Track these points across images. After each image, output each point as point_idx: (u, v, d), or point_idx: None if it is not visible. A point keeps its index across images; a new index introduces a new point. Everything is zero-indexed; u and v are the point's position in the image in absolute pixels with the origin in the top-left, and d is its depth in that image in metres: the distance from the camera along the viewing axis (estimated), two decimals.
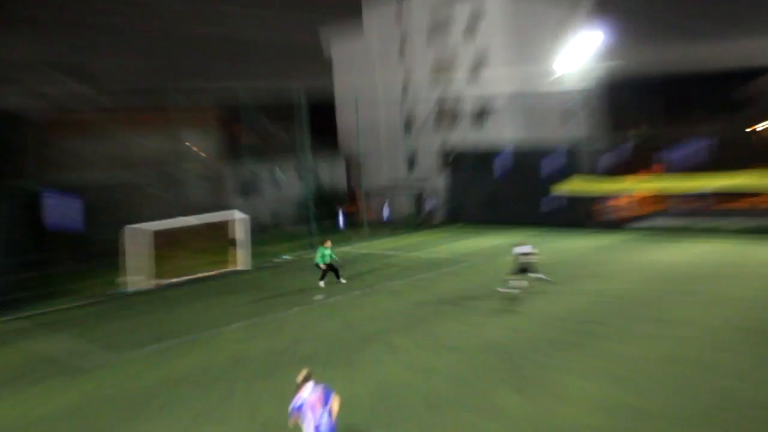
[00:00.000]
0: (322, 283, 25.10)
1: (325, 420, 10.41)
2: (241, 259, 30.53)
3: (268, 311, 22.39)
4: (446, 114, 46.07)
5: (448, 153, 42.17)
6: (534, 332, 17.99)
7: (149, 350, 18.61)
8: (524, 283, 19.27)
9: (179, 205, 31.09)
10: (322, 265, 25.56)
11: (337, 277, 25.70)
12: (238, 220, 30.48)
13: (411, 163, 44.87)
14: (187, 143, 43.99)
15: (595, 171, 35.96)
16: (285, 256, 33.61)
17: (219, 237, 32.73)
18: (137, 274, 27.30)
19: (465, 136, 43.50)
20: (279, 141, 49.78)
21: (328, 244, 26.05)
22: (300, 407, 10.53)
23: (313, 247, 35.28)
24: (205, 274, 29.96)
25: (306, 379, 10.91)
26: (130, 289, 27.40)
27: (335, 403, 10.69)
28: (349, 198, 51.29)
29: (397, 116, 44.87)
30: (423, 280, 25.96)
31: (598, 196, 35.58)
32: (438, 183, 45.27)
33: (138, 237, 28.12)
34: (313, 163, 44.98)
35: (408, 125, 47.64)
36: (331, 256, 25.69)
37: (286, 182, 49.01)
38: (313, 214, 36.26)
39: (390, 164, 50.84)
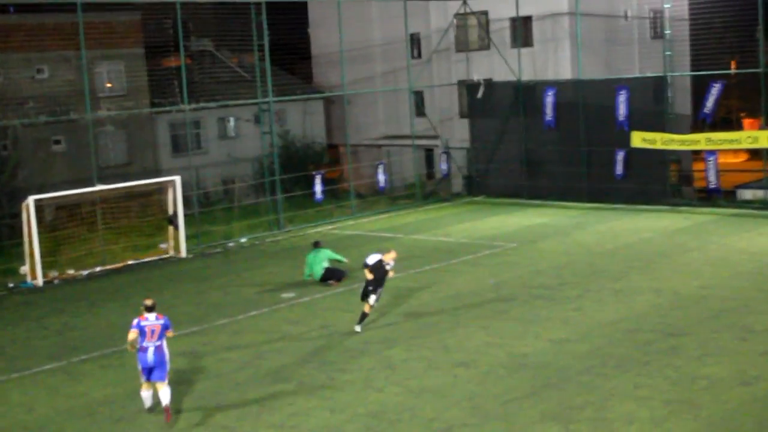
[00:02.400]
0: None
1: (151, 350, 15.29)
2: (181, 243, 31.12)
3: (217, 315, 23.06)
4: (471, 31, 46.38)
5: (471, 90, 42.47)
6: (583, 345, 18.66)
7: (48, 369, 19.24)
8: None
9: (88, 166, 31.52)
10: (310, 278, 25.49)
11: (336, 279, 25.66)
12: (176, 188, 30.97)
13: (418, 106, 45.27)
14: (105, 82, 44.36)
15: (689, 120, 36.31)
16: (240, 239, 34.19)
17: (150, 212, 33.23)
18: (37, 262, 27.87)
19: (498, 65, 43.84)
20: (230, 75, 50.11)
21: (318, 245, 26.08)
22: (140, 326, 15.35)
23: (280, 226, 35.85)
24: (133, 261, 30.57)
25: (150, 309, 15.47)
26: (33, 281, 28.03)
27: (169, 334, 15.64)
28: (330, 158, 51.70)
29: (400, 35, 45.06)
30: (432, 273, 26.61)
31: (692, 152, 35.93)
32: (456, 136, 45.71)
33: (44, 212, 28.71)
34: (279, 106, 45.34)
35: (415, 49, 48.02)
36: (331, 260, 25.58)
37: (241, 135, 49.45)
38: (279, 180, 36.77)
39: (388, 108, 51.11)
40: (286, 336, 20.70)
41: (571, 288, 23.62)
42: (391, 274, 20.54)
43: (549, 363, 17.55)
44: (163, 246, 31.43)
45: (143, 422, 15.48)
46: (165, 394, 15.39)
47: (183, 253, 31.20)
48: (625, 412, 14.70)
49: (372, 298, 20.23)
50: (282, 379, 17.42)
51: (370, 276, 20.08)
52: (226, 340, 20.69)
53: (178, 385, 17.25)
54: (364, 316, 20.38)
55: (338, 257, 25.99)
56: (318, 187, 37.50)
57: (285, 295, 24.66)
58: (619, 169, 36.46)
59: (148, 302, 15.68)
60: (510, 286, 24.20)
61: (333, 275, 25.62)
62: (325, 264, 25.64)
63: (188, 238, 32.05)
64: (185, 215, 31.72)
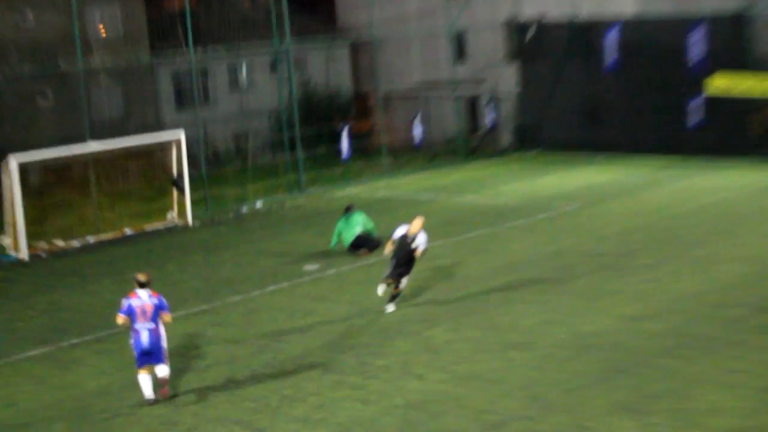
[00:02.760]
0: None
1: (145, 332, 15.36)
2: (187, 209, 31.08)
3: (228, 291, 22.87)
4: None
5: (521, 30, 41.99)
6: (659, 323, 18.21)
7: (33, 356, 19.10)
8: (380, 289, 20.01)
9: (80, 122, 31.48)
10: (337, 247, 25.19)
11: (369, 248, 25.31)
12: (180, 146, 30.84)
13: (459, 49, 44.74)
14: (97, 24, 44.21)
15: None
16: (255, 204, 34.13)
17: (151, 174, 33.24)
18: (21, 233, 27.83)
19: (551, 1, 43.25)
20: (242, 17, 49.78)
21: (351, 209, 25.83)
22: (130, 309, 15.40)
23: (301, 188, 35.67)
24: (132, 231, 30.52)
25: (142, 285, 15.55)
26: (17, 254, 27.98)
27: (166, 318, 15.56)
28: (358, 109, 51.45)
29: None
30: (479, 241, 26.32)
31: None
32: (503, 82, 45.23)
33: (29, 175, 28.64)
34: (299, 52, 45.05)
35: None
36: (365, 229, 25.40)
37: (255, 85, 49.22)
38: (299, 136, 36.50)
39: (424, 52, 50.65)
40: (309, 315, 20.44)
41: (643, 256, 23.17)
42: (418, 253, 19.60)
43: (619, 344, 17.10)
44: (170, 216, 31.31)
45: (144, 417, 15.23)
46: (163, 369, 15.53)
47: (189, 221, 31.17)
48: (711, 401, 14.22)
49: (403, 283, 19.81)
50: (305, 366, 17.12)
51: (389, 249, 19.66)
52: (239, 320, 20.48)
53: (185, 372, 17.07)
54: (395, 296, 19.91)
55: (372, 226, 25.64)
56: (344, 143, 37.39)
57: (308, 268, 24.44)
58: (695, 118, 36.05)
59: (141, 277, 15.66)
60: (571, 255, 23.82)
61: (366, 243, 25.30)
62: (359, 229, 25.30)
63: (195, 203, 32.05)
64: (191, 177, 31.67)
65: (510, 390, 15.24)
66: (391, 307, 19.86)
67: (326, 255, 25.47)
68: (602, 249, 24.18)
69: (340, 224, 25.53)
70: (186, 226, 31.02)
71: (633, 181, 33.71)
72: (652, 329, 17.78)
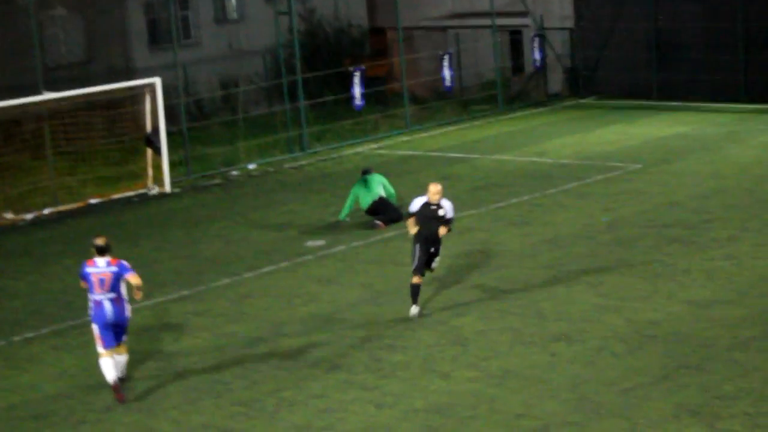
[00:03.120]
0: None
1: (107, 303, 16.09)
2: (165, 173, 31.15)
3: (215, 272, 23.16)
4: None
5: None
6: (737, 309, 18.44)
7: None
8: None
9: (31, 67, 31.57)
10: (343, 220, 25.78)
11: (387, 219, 25.79)
12: (155, 95, 30.90)
13: None
14: None
15: None
16: (247, 166, 34.21)
17: (120, 130, 33.23)
18: None
19: None
20: None
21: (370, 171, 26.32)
22: (85, 276, 16.24)
23: (303, 147, 35.79)
24: (96, 200, 30.73)
25: (101, 251, 16.28)
26: None
27: (133, 280, 16.12)
28: (374, 48, 51.38)
29: None
30: (520, 209, 26.57)
31: None
32: (554, 13, 45.15)
33: None
34: None
35: None
36: (381, 190, 25.75)
37: (246, 18, 49.25)
38: (301, 81, 36.60)
39: None
40: (313, 300, 20.75)
41: (720, 227, 23.37)
42: (443, 230, 19.09)
43: (687, 335, 17.36)
44: (151, 187, 31.43)
45: (114, 425, 15.58)
46: (121, 362, 16.38)
47: (167, 187, 31.27)
48: None
49: (435, 262, 19.43)
50: (308, 363, 17.46)
51: (414, 229, 19.06)
52: (229, 308, 20.77)
53: (163, 370, 17.45)
54: (416, 290, 19.15)
55: (393, 192, 26.05)
56: (357, 90, 37.28)
57: (311, 244, 24.75)
58: None
59: (99, 242, 16.35)
60: (632, 226, 24.01)
61: (385, 210, 25.63)
62: (381, 191, 25.67)
63: (174, 165, 32.15)
64: (170, 133, 31.76)
65: (554, 390, 15.54)
66: (415, 310, 19.16)
67: (334, 228, 25.76)
68: (670, 219, 24.37)
69: (357, 189, 25.86)
70: (163, 194, 31.15)
71: (712, 133, 33.78)
72: (727, 317, 18.02)
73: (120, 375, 16.41)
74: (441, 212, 19.03)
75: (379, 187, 25.74)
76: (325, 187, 30.42)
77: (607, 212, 25.35)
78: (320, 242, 24.79)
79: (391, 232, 24.93)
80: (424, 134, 37.90)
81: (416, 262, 19.01)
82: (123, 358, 16.59)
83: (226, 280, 22.55)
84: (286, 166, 34.42)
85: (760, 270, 20.33)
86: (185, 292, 21.92)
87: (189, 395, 16.45)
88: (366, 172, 26.24)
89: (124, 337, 16.47)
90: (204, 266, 23.77)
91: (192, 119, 37.88)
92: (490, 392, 15.67)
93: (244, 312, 20.45)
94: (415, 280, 19.02)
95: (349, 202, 25.91)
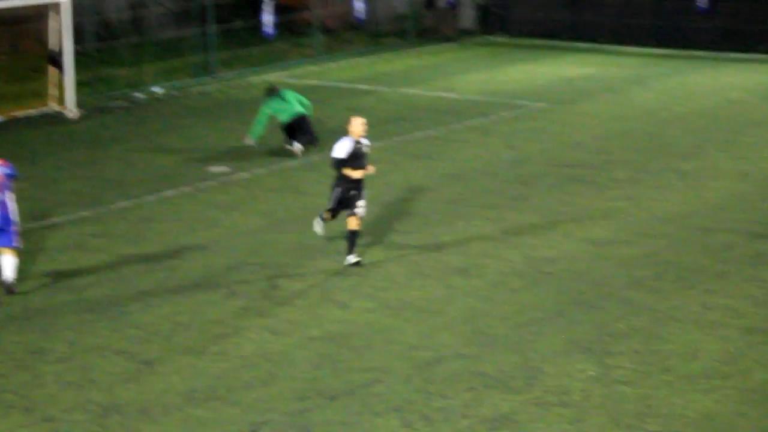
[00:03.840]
0: (296, 146, 25.22)
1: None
2: (68, 93, 30.76)
3: (116, 195, 22.94)
4: None
5: None
6: (633, 248, 18.79)
7: None
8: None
9: None
10: (253, 141, 25.44)
11: (294, 140, 25.46)
12: (60, 12, 30.46)
13: None
14: None
15: None
16: (153, 89, 33.86)
17: (22, 47, 32.73)
18: None
19: None
20: None
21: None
22: None
23: (211, 71, 35.48)
24: None
25: None
26: None
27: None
28: None
29: None
30: (426, 143, 26.68)
31: None
32: None
33: None
34: None
35: None
36: (300, 106, 25.42)
37: None
38: (211, 5, 36.18)
39: None
40: (213, 226, 20.70)
41: (621, 168, 23.70)
42: (371, 169, 18.21)
43: (583, 273, 17.64)
44: (71, 112, 30.94)
45: (7, 345, 15.38)
46: (9, 263, 16.60)
47: (71, 108, 30.89)
48: (686, 342, 14.84)
49: (361, 206, 18.03)
50: (205, 288, 17.44)
51: (357, 174, 17.92)
52: (128, 231, 20.64)
53: (58, 291, 17.31)
54: (353, 237, 18.09)
55: (310, 106, 25.72)
56: (267, 17, 36.96)
57: (215, 169, 24.62)
58: (703, 1, 36.19)
59: None
60: (535, 164, 24.27)
61: (305, 129, 25.29)
62: (300, 108, 25.33)
63: (79, 86, 31.67)
64: (75, 53, 31.28)
65: (449, 323, 15.73)
66: (353, 258, 18.04)
67: (238, 154, 25.59)
68: (572, 158, 24.65)
69: (272, 104, 25.37)
70: (66, 114, 30.77)
71: (617, 76, 34.08)
72: (622, 256, 18.35)
73: (6, 276, 16.61)
74: (365, 148, 18.23)
75: (298, 104, 25.51)
76: (231, 113, 30.20)
77: (510, 149, 25.54)
78: (223, 168, 24.65)
79: (298, 162, 24.83)
80: (333, 65, 37.71)
81: (330, 203, 18.22)
82: (9, 260, 16.68)
83: (126, 203, 22.34)
84: (193, 90, 34.09)
85: (658, 211, 20.65)
86: (85, 213, 21.66)
87: (84, 316, 16.33)
88: (272, 90, 25.92)
89: (12, 242, 16.56)
90: (105, 188, 23.50)
91: (99, 40, 37.31)
92: (386, 323, 15.79)
93: (144, 235, 20.32)
94: (352, 223, 17.98)
95: (261, 120, 25.38)
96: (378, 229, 20.09)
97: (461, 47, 40.45)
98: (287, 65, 37.45)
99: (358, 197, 17.97)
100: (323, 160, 24.47)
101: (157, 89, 33.92)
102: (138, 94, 33.33)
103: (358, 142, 17.99)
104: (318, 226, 18.64)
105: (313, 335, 15.41)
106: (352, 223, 18.01)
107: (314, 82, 34.86)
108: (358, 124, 18.04)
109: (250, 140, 25.26)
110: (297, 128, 25.27)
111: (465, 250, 18.81)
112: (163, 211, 21.85)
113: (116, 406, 13.20)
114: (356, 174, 17.83)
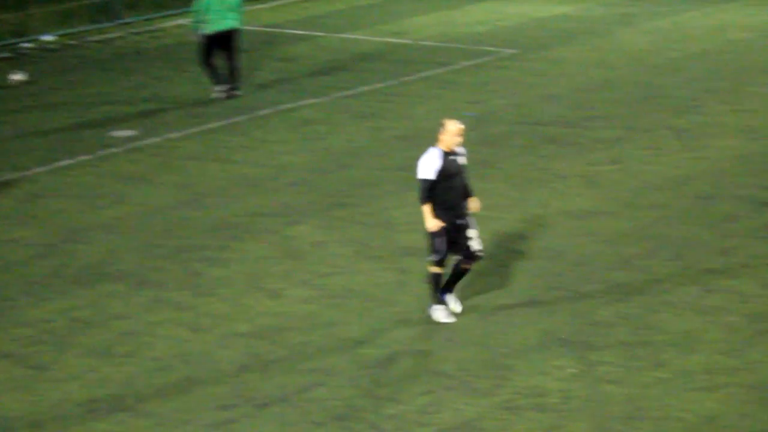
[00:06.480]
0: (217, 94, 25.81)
1: None
2: None
3: None
4: None
5: None
6: (620, 221, 18.94)
7: None
8: None
9: None
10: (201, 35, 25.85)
11: (231, 82, 26.26)
12: None
13: None
14: None
15: None
16: (44, 37, 33.72)
17: None
18: None
19: None
20: None
21: None
22: None
23: (112, 16, 35.26)
24: None
25: None
26: None
27: None
28: None
29: None
30: (372, 98, 26.75)
31: None
32: None
33: None
34: None
35: None
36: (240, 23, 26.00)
37: None
38: None
39: None
40: (119, 202, 20.63)
41: (605, 126, 23.83)
42: (475, 205, 15.53)
43: (562, 251, 17.74)
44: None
45: None
46: None
47: None
48: (682, 332, 14.92)
49: (474, 238, 15.36)
50: (110, 276, 17.38)
51: (435, 223, 15.11)
52: (15, 210, 20.57)
53: None
54: (437, 280, 15.40)
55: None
56: None
57: (118, 134, 24.57)
58: None
59: None
60: (503, 122, 24.35)
61: (231, 53, 25.92)
62: (234, 23, 25.89)
63: None
64: None
65: (402, 314, 15.75)
66: (458, 306, 15.71)
67: (148, 115, 25.56)
68: (546, 115, 24.78)
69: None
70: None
71: (599, 15, 34.24)
72: (607, 231, 18.43)
73: None
74: (462, 159, 15.43)
75: (234, 14, 25.91)
76: (139, 65, 30.13)
77: (473, 105, 25.57)
78: (129, 132, 24.58)
79: (214, 122, 24.78)
80: (260, 6, 37.48)
81: (437, 246, 15.24)
82: None
83: (12, 175, 22.29)
84: (91, 39, 33.91)
85: (648, 177, 20.76)
86: None
87: None
88: None
89: None
90: None
91: None
92: (327, 315, 15.81)
93: (34, 214, 20.25)
94: (436, 269, 15.33)
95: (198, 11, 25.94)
96: (316, 202, 20.14)
97: None
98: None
99: (466, 226, 15.39)
100: (251, 121, 24.64)
101: (48, 37, 33.75)
102: (25, 44, 33.17)
103: (450, 155, 15.25)
104: (441, 314, 15.48)
105: (240, 331, 15.41)
106: (466, 265, 15.52)
107: (236, 26, 34.66)
108: (452, 131, 15.13)
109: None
110: (220, 46, 25.77)
111: (420, 226, 18.61)
112: (56, 185, 21.79)
113: (2, 420, 13.14)
114: (433, 223, 15.07)
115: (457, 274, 15.50)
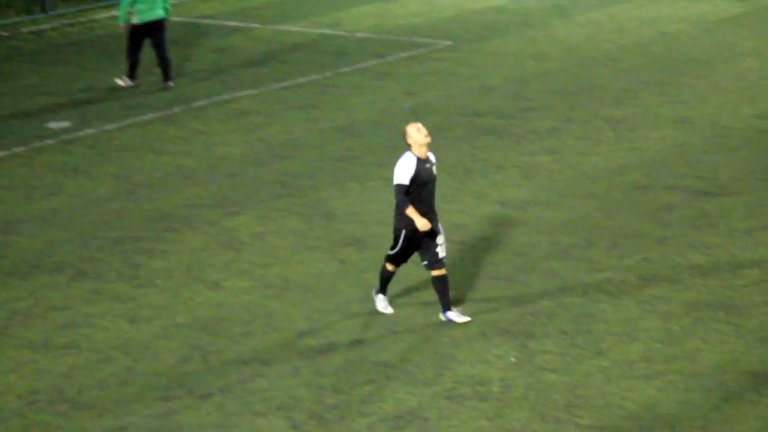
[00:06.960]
0: (121, 82, 25.94)
1: None
2: None
3: None
4: None
5: None
6: (556, 211, 19.07)
7: None
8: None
9: None
10: (123, 26, 25.86)
11: (165, 76, 26.41)
12: None
13: None
14: None
15: None
16: None
17: None
18: None
19: None
20: None
21: None
22: None
23: (46, 8, 35.05)
24: None
25: None
26: None
27: None
28: None
29: None
30: (308, 90, 26.68)
31: None
32: None
33: None
34: None
35: None
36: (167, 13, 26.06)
37: None
38: None
39: None
40: (54, 194, 20.55)
41: (541, 117, 23.92)
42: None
43: (500, 240, 17.85)
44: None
45: None
46: None
47: None
48: (624, 321, 15.09)
49: (440, 244, 15.28)
50: (48, 268, 17.32)
51: (424, 222, 14.94)
52: None
53: None
54: (444, 286, 15.17)
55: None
56: None
57: (53, 125, 24.38)
58: None
59: None
60: (439, 114, 24.36)
61: (160, 43, 25.87)
62: (161, 12, 25.82)
63: None
64: None
65: (342, 304, 15.83)
66: (455, 316, 15.16)
67: (82, 106, 25.40)
68: (483, 106, 24.81)
69: None
70: None
71: (533, 8, 34.07)
72: (545, 221, 18.56)
73: None
74: (434, 168, 15.61)
75: (162, 6, 25.84)
76: (72, 57, 29.90)
77: (410, 96, 25.58)
78: (64, 123, 24.40)
79: (150, 113, 24.68)
80: None
81: (401, 249, 15.24)
82: None
83: None
84: (24, 30, 33.56)
85: (585, 167, 20.89)
86: None
87: None
88: None
89: None
90: None
91: None
92: (267, 305, 15.84)
93: None
94: (391, 267, 15.44)
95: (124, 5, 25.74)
96: (254, 192, 20.12)
97: None
98: None
99: (436, 233, 15.26)
100: (187, 112, 24.58)
101: None
102: None
103: (424, 161, 15.32)
104: (381, 303, 15.69)
105: (179, 322, 15.41)
106: (436, 270, 15.27)
107: (172, 18, 34.49)
108: (419, 136, 15.32)
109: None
110: (148, 35, 25.76)
111: (358, 217, 18.86)
112: None
113: None
114: (422, 222, 14.89)
115: (439, 287, 15.16)
